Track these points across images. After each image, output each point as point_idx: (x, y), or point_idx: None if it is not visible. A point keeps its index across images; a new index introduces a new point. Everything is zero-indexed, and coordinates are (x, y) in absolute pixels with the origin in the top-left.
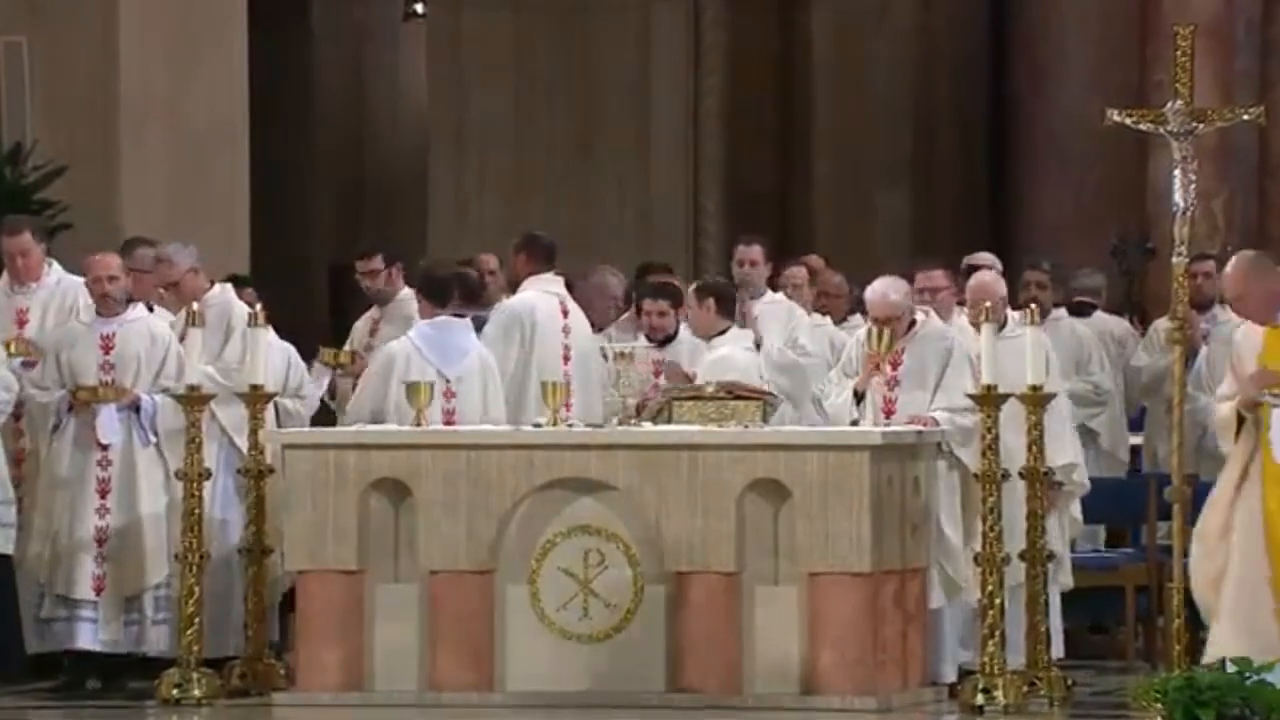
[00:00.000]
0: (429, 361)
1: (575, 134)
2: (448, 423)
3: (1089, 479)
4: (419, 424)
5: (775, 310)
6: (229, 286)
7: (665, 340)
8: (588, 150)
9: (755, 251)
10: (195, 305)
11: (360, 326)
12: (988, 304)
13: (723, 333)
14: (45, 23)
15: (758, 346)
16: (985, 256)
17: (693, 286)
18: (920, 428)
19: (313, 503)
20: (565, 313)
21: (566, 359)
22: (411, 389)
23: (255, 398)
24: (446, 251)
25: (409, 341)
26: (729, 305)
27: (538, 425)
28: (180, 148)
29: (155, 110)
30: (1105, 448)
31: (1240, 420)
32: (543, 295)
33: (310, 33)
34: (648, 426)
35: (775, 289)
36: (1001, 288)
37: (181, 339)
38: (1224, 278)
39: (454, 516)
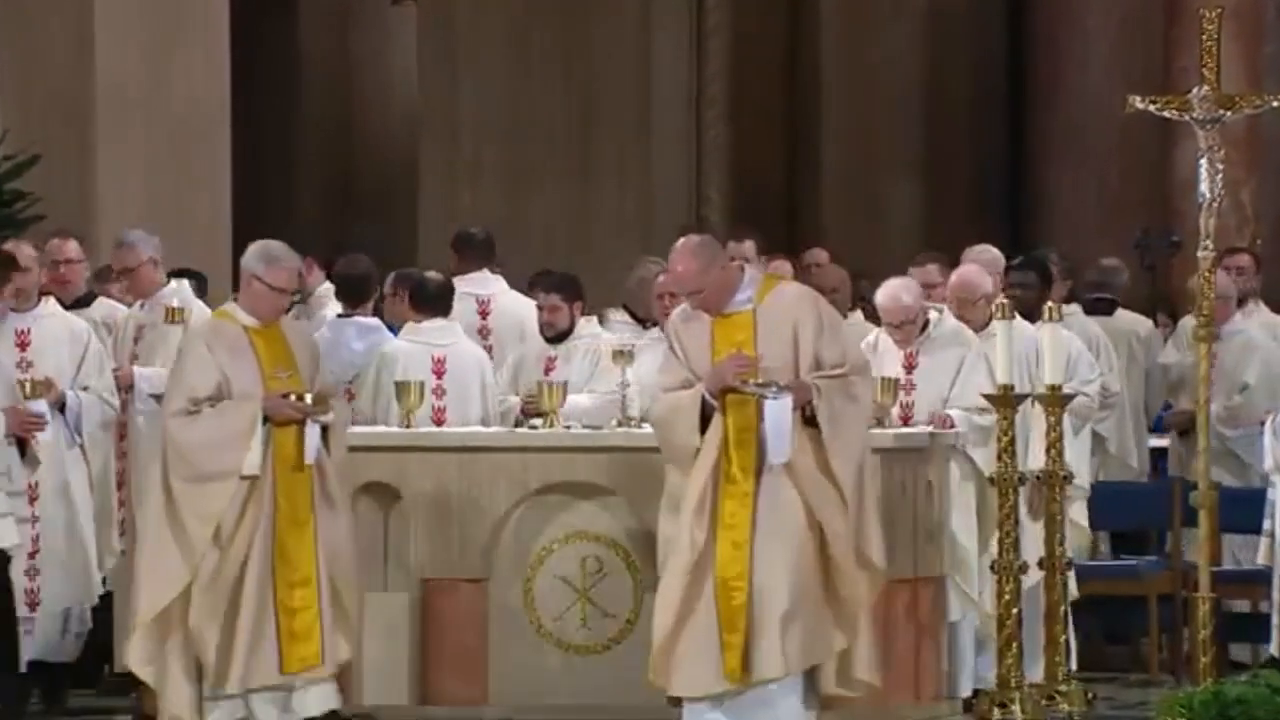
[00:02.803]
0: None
1: (573, 122)
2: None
3: (1098, 484)
4: (408, 426)
5: None
6: (185, 283)
7: (558, 337)
8: (586, 138)
9: (747, 247)
10: (175, 301)
11: None
12: (999, 300)
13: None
14: (17, 6)
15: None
16: (990, 250)
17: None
18: (933, 429)
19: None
20: (485, 314)
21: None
22: (401, 388)
23: None
24: (439, 246)
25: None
26: (421, 300)
27: (533, 427)
28: (159, 137)
29: (133, 98)
30: (1113, 452)
31: (704, 414)
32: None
33: (295, 16)
34: (648, 428)
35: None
36: (986, 283)
37: (136, 340)
38: (674, 267)
39: (445, 522)
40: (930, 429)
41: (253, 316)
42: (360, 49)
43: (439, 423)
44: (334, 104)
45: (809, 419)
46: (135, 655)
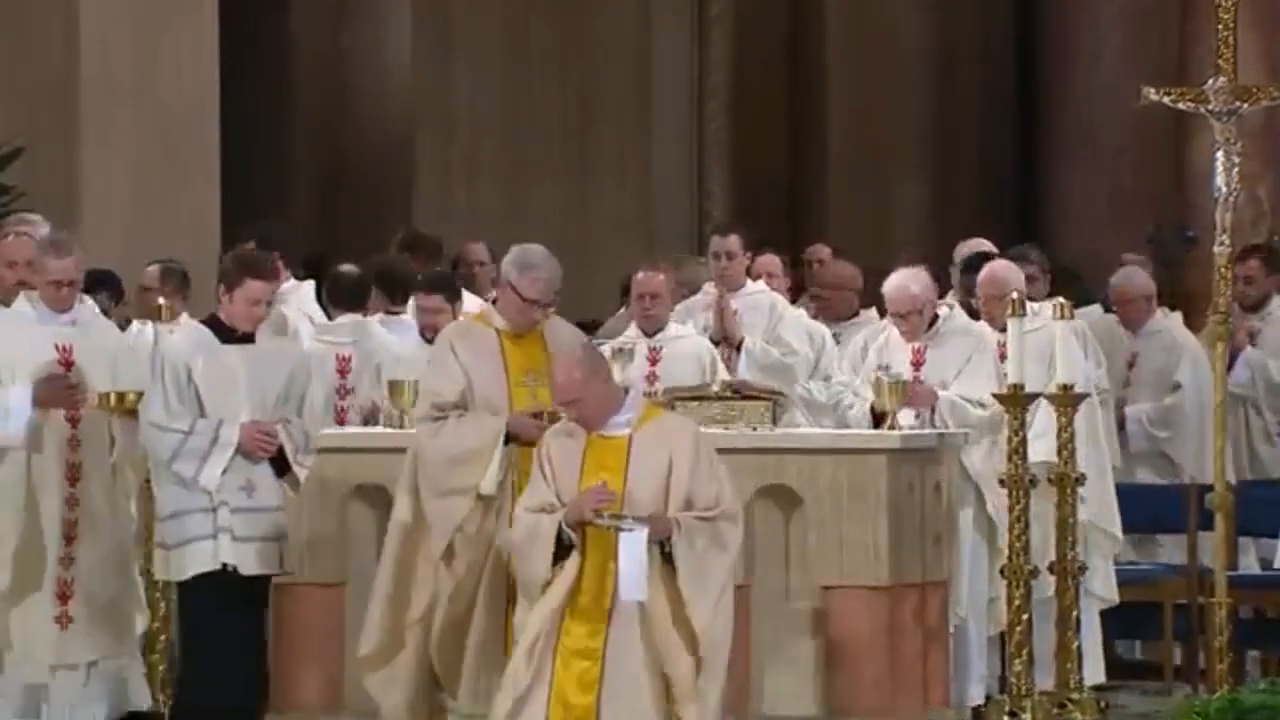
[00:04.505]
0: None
1: (572, 115)
2: None
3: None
4: (400, 426)
5: (756, 304)
6: (90, 301)
7: None
8: (585, 132)
9: (732, 242)
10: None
11: None
12: (1013, 296)
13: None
14: None
15: (739, 345)
16: (984, 244)
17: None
18: (928, 430)
19: (289, 511)
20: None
21: None
22: (394, 388)
23: None
24: None
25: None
26: (335, 295)
27: None
28: (146, 129)
29: (119, 88)
30: None
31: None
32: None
33: (287, 5)
34: None
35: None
36: (1017, 278)
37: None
38: (556, 376)
39: None
40: (936, 430)
41: (506, 322)
42: (354, 39)
43: (341, 424)
44: (326, 95)
45: (668, 556)
46: (369, 674)
